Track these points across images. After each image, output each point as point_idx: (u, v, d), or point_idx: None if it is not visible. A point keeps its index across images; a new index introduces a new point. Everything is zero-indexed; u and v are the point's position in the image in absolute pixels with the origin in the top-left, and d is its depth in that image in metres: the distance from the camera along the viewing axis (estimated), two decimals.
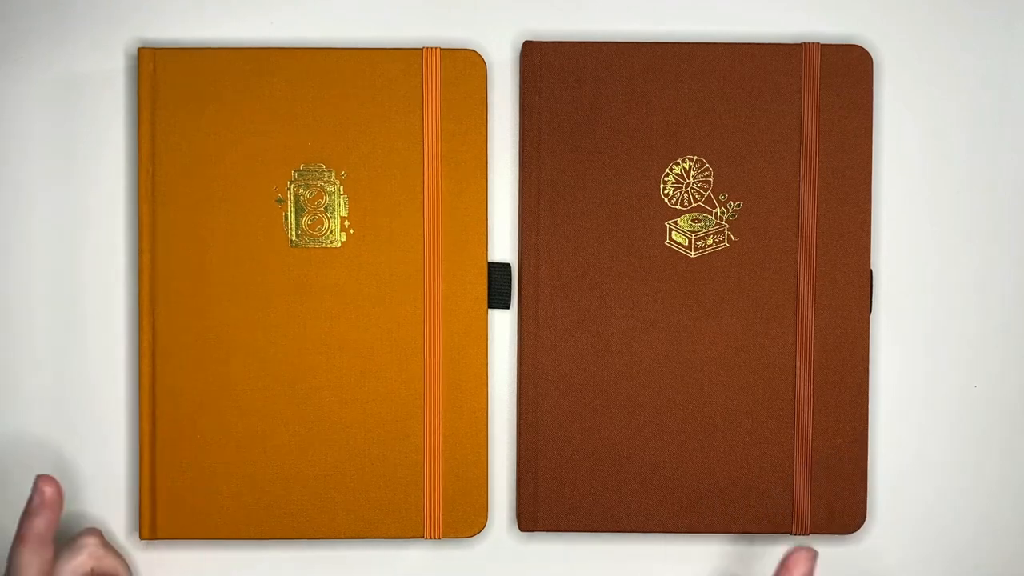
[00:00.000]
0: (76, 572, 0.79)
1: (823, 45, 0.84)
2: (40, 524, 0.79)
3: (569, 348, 0.84)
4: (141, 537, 0.84)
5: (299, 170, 0.83)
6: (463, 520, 0.84)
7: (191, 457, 0.84)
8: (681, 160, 0.84)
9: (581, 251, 0.84)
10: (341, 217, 0.83)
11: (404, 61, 0.83)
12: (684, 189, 0.84)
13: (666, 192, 0.84)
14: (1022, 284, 0.87)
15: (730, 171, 0.84)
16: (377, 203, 0.84)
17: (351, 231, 0.83)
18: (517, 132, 0.86)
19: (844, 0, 0.86)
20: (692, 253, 0.84)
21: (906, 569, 0.87)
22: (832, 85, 0.84)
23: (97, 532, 0.82)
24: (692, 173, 0.84)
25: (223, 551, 0.86)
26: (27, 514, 0.79)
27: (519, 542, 0.87)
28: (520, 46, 0.85)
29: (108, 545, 0.82)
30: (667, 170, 0.84)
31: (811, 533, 0.84)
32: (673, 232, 0.84)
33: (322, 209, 0.83)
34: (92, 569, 0.80)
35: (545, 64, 0.84)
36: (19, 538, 0.79)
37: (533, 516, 0.85)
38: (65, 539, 0.83)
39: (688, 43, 0.84)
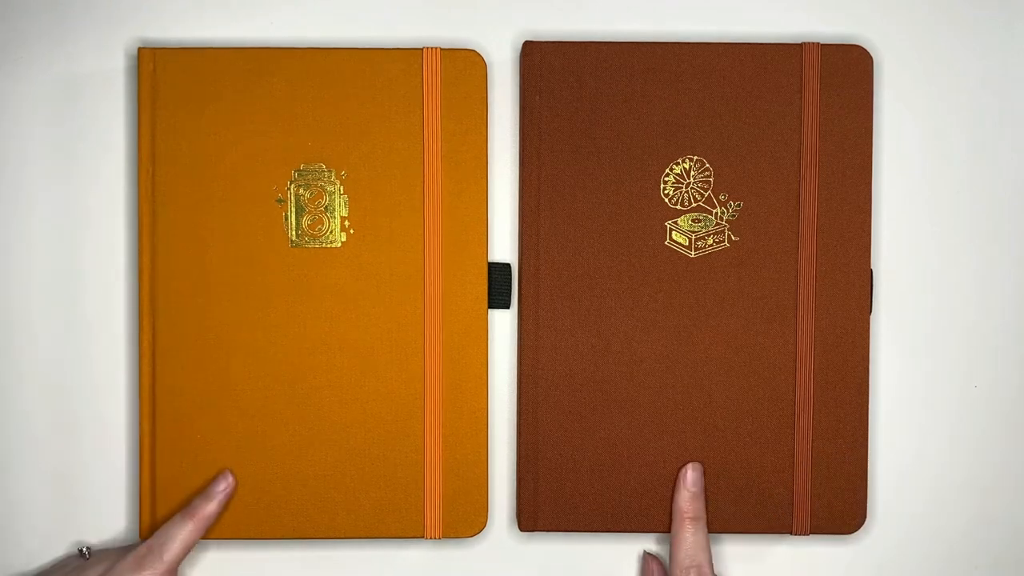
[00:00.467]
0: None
1: (823, 45, 0.84)
2: (212, 510, 0.82)
3: (569, 348, 0.84)
4: (141, 537, 0.84)
5: (299, 170, 0.83)
6: (463, 520, 0.84)
7: (191, 457, 0.84)
8: (681, 160, 0.84)
9: (581, 251, 0.84)
10: (341, 217, 0.83)
11: (404, 61, 0.83)
12: (684, 189, 0.84)
13: (666, 192, 0.84)
14: (1022, 284, 0.87)
15: (730, 171, 0.84)
16: (377, 203, 0.84)
17: (351, 231, 0.83)
18: (517, 132, 0.86)
19: (844, 0, 0.86)
20: (692, 253, 0.84)
21: (906, 569, 0.87)
22: (832, 85, 0.84)
23: None
24: (692, 173, 0.84)
25: (223, 551, 0.86)
26: (206, 497, 0.82)
27: (519, 542, 0.87)
28: (520, 46, 0.85)
29: None
30: (667, 170, 0.84)
31: (811, 533, 0.84)
32: (673, 232, 0.84)
33: (322, 209, 0.83)
34: None
35: (545, 64, 0.84)
36: (188, 514, 0.81)
37: (533, 516, 0.85)
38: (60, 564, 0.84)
39: (688, 43, 0.84)
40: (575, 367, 0.84)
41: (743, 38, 0.85)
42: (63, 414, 0.86)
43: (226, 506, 0.83)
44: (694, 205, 0.84)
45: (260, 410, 0.83)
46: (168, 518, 0.83)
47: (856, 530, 0.85)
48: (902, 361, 0.87)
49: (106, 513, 0.86)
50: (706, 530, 0.83)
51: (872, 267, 0.85)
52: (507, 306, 0.85)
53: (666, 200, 0.84)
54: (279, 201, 0.83)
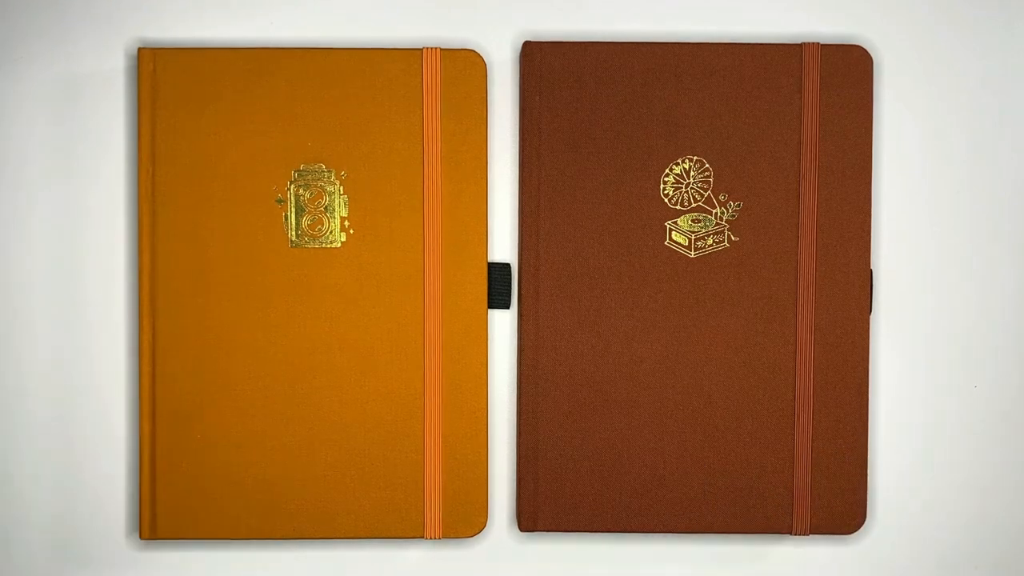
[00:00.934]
0: None
1: (823, 45, 0.84)
2: None
3: (569, 348, 0.84)
4: (141, 537, 0.84)
5: (299, 170, 0.83)
6: (463, 520, 0.84)
7: (191, 457, 0.83)
8: (681, 160, 0.84)
9: (581, 251, 0.84)
10: (341, 217, 0.83)
11: (404, 61, 0.83)
12: (684, 189, 0.84)
13: (666, 192, 0.84)
14: (1022, 284, 0.87)
15: (730, 171, 0.84)
16: (377, 203, 0.84)
17: (351, 231, 0.83)
18: (517, 132, 0.86)
19: (844, 0, 0.86)
20: (692, 253, 0.84)
21: (906, 569, 0.87)
22: (832, 85, 0.84)
23: None
24: (692, 173, 0.84)
25: (223, 551, 0.86)
26: None
27: (519, 542, 0.87)
28: (520, 46, 0.85)
29: None
30: (667, 170, 0.84)
31: (811, 533, 0.84)
32: (673, 232, 0.84)
33: (322, 209, 0.83)
34: None
35: (545, 64, 0.84)
36: None
37: (533, 516, 0.85)
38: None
39: (688, 43, 0.84)
40: (575, 367, 0.84)
41: (743, 38, 0.85)
42: (63, 414, 0.86)
43: None
44: (694, 205, 0.84)
45: (260, 410, 0.83)
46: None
47: (856, 530, 0.85)
48: (902, 361, 0.87)
49: (106, 513, 0.86)
50: None
51: (872, 267, 0.85)
52: (507, 306, 0.85)
53: (666, 200, 0.84)
54: (279, 201, 0.83)
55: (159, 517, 0.84)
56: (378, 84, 0.83)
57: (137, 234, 0.84)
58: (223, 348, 0.83)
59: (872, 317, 0.85)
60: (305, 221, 0.83)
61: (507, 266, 0.85)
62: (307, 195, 0.83)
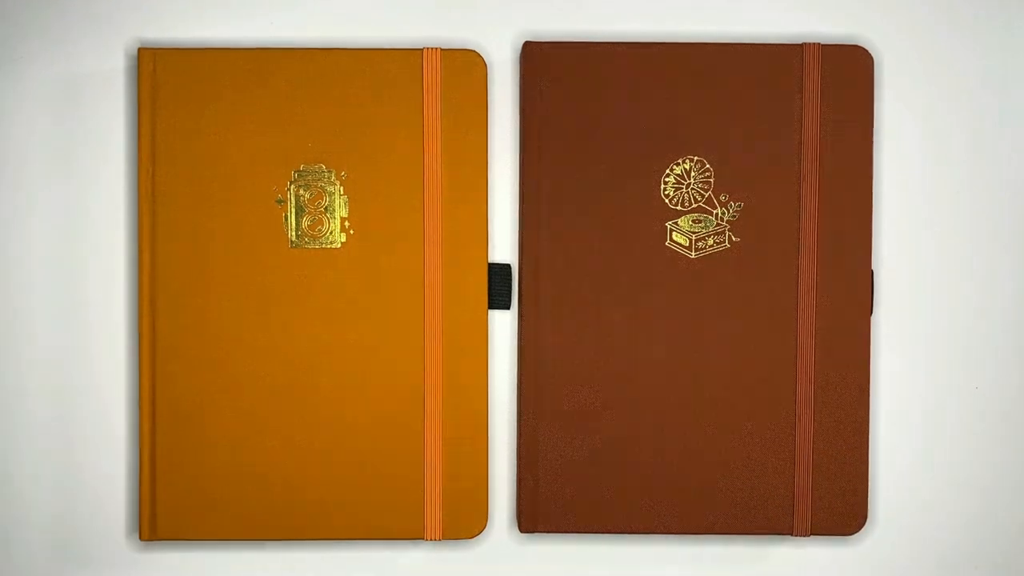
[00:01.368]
0: None
1: (823, 45, 0.84)
2: None
3: (569, 348, 0.84)
4: (141, 538, 0.84)
5: (299, 171, 0.83)
6: (463, 521, 0.84)
7: (191, 457, 0.83)
8: (681, 161, 0.84)
9: (581, 252, 0.84)
10: (341, 218, 0.83)
11: (404, 61, 0.83)
12: (685, 190, 0.84)
13: (666, 193, 0.84)
14: (1022, 284, 0.87)
15: (731, 171, 0.84)
16: (377, 204, 0.84)
17: (351, 231, 0.83)
18: (517, 132, 0.86)
19: (844, 0, 0.86)
20: (693, 254, 0.84)
21: (906, 570, 0.87)
22: (832, 85, 0.84)
23: None
24: (692, 174, 0.84)
25: (223, 551, 0.86)
26: None
27: (519, 543, 0.87)
28: (520, 46, 0.85)
29: None
30: (667, 170, 0.84)
31: (811, 534, 0.84)
32: (674, 233, 0.84)
33: (322, 210, 0.83)
34: None
35: (545, 64, 0.84)
36: None
37: (533, 517, 0.84)
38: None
39: (688, 43, 0.84)
40: (575, 368, 0.84)
41: (743, 38, 0.85)
42: (63, 414, 0.86)
43: None
44: (694, 206, 0.84)
45: (260, 410, 0.83)
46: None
47: (857, 531, 0.85)
48: (902, 361, 0.86)
49: (106, 513, 0.86)
50: None
51: (872, 267, 0.85)
52: (507, 307, 0.85)
53: (666, 201, 0.84)
54: (279, 202, 0.83)
55: (159, 517, 0.84)
56: (378, 84, 0.83)
57: (137, 234, 0.84)
58: (223, 348, 0.83)
59: (873, 318, 0.85)
60: (305, 221, 0.83)
61: (507, 267, 0.85)
62: (307, 195, 0.83)
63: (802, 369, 0.84)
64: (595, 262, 0.84)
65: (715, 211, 0.84)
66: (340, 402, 0.83)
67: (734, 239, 0.84)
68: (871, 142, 0.84)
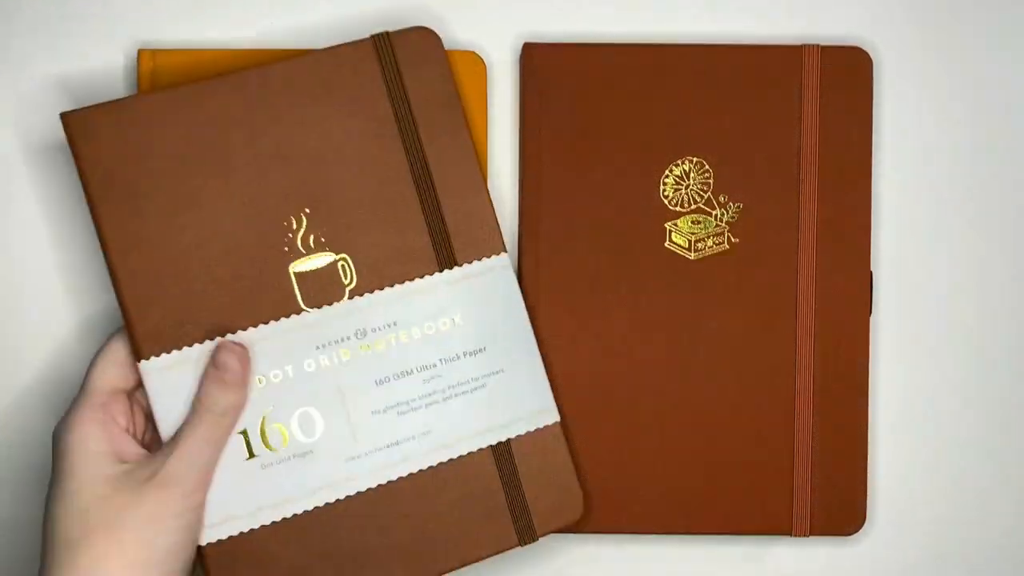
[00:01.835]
0: None
1: (823, 47, 0.84)
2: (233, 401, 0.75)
3: (568, 349, 0.84)
4: None
5: None
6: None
7: None
8: (681, 161, 0.84)
9: (581, 252, 0.84)
10: None
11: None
12: (684, 191, 0.84)
13: (666, 194, 0.84)
14: (1022, 284, 0.87)
15: (730, 172, 0.84)
16: None
17: None
18: (517, 133, 0.86)
19: (844, 1, 0.86)
20: (692, 255, 0.85)
21: (906, 571, 0.87)
22: (832, 86, 0.84)
23: None
24: (692, 174, 0.84)
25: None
26: (216, 382, 0.75)
27: None
28: (520, 47, 0.85)
29: None
30: (667, 171, 0.84)
31: (811, 534, 0.84)
32: (673, 234, 0.85)
33: None
34: None
35: (545, 65, 0.84)
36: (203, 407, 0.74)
37: None
38: None
39: (688, 44, 0.85)
40: (575, 368, 0.84)
41: (743, 39, 0.85)
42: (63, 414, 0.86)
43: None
44: (694, 207, 0.84)
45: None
46: None
47: (856, 531, 0.85)
48: (902, 362, 0.87)
49: None
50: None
51: (872, 267, 0.85)
52: None
53: (666, 202, 0.84)
54: None
55: None
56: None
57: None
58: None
59: (872, 317, 0.85)
60: None
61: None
62: None
63: (801, 369, 0.84)
64: (595, 263, 0.84)
65: (714, 212, 0.84)
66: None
67: (733, 240, 0.85)
68: (870, 143, 0.85)
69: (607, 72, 0.84)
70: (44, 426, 0.85)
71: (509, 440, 0.80)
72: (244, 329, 0.77)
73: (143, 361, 0.76)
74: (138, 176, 0.77)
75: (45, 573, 0.70)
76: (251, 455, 0.77)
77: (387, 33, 0.80)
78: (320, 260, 0.79)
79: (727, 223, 0.85)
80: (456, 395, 0.79)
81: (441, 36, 0.83)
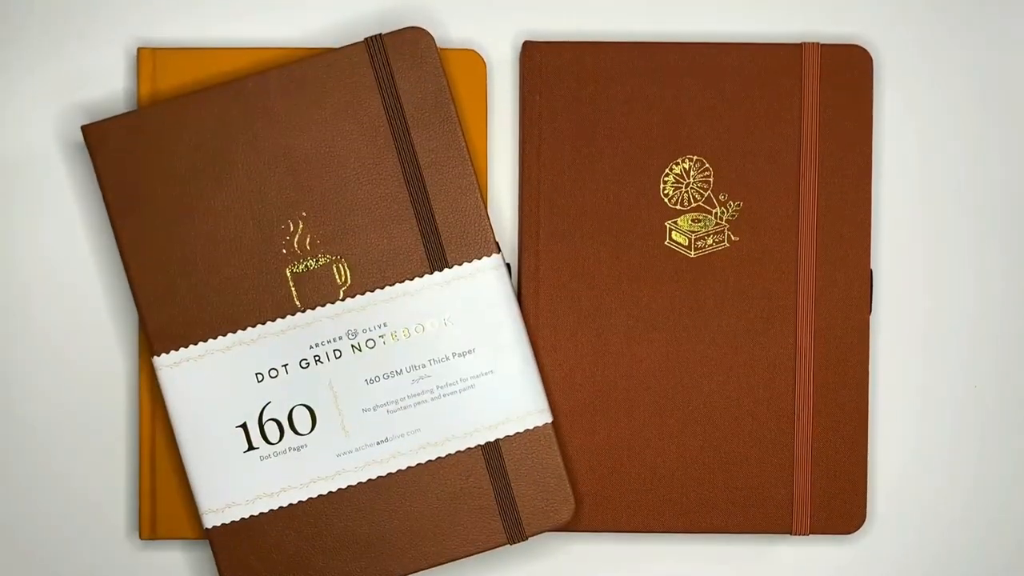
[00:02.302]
0: None
1: (823, 45, 0.84)
2: None
3: (569, 348, 0.84)
4: (141, 537, 0.84)
5: None
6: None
7: None
8: (681, 160, 0.84)
9: (581, 251, 0.84)
10: None
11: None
12: (684, 189, 0.84)
13: (666, 192, 0.84)
14: (1021, 283, 0.87)
15: (730, 171, 0.84)
16: None
17: None
18: (517, 132, 0.86)
19: (844, 0, 0.86)
20: (692, 253, 0.84)
21: (906, 569, 0.87)
22: (832, 85, 0.84)
23: None
24: (692, 173, 0.84)
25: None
26: None
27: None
28: (520, 46, 0.85)
29: None
30: (667, 170, 0.84)
31: (811, 533, 0.84)
32: (673, 232, 0.84)
33: None
34: None
35: (545, 64, 0.84)
36: None
37: None
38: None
39: (688, 43, 0.84)
40: (575, 367, 0.84)
41: (743, 38, 0.85)
42: (64, 414, 0.86)
43: None
44: (694, 205, 0.84)
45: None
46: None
47: (856, 530, 0.85)
48: (902, 361, 0.86)
49: (106, 513, 0.86)
50: None
51: (872, 267, 0.85)
52: None
53: (666, 200, 0.84)
54: None
55: (159, 517, 0.84)
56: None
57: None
58: None
59: (872, 317, 0.85)
60: None
61: (507, 267, 0.85)
62: None
63: (801, 368, 0.84)
64: (595, 262, 0.84)
65: (714, 210, 0.84)
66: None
67: (733, 238, 0.84)
68: (870, 142, 0.84)
69: (607, 70, 0.84)
70: (44, 425, 0.85)
71: (498, 440, 0.81)
72: (244, 328, 0.80)
73: (155, 357, 0.80)
74: (149, 182, 0.80)
75: None
76: (250, 447, 0.80)
77: (380, 36, 0.81)
78: (315, 262, 0.81)
79: (727, 221, 0.84)
80: (445, 395, 0.80)
81: (441, 35, 0.83)
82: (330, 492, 0.81)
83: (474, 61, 0.84)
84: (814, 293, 0.84)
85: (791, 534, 0.85)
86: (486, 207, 0.82)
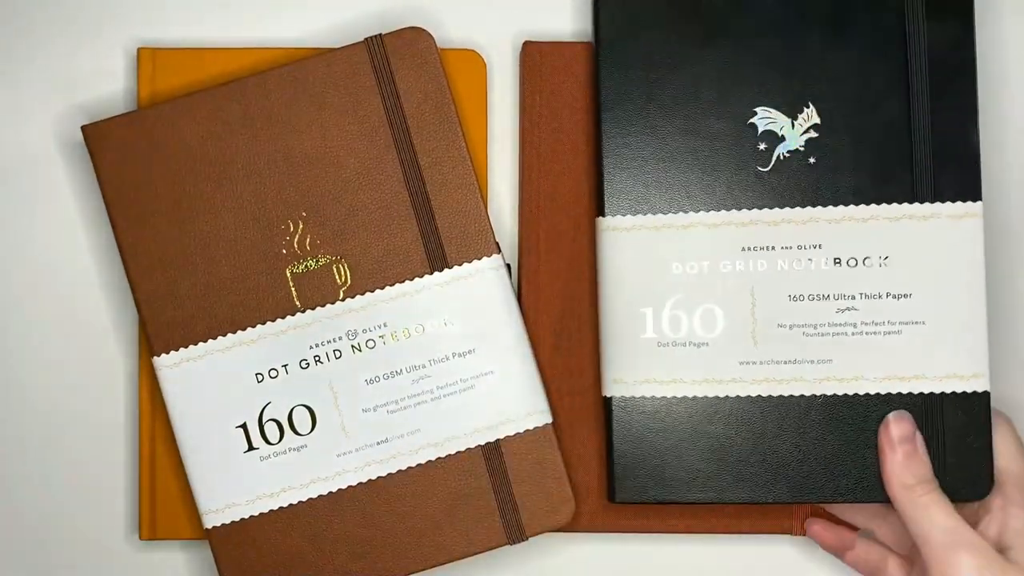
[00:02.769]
0: None
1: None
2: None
3: (569, 347, 0.84)
4: (141, 537, 0.84)
5: None
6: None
7: None
8: None
9: (581, 251, 0.84)
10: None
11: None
12: None
13: None
14: (1022, 282, 0.87)
15: None
16: None
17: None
18: (517, 132, 0.86)
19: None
20: None
21: None
22: None
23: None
24: None
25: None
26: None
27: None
28: (520, 46, 0.85)
29: None
30: None
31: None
32: None
33: None
34: None
35: (545, 64, 0.84)
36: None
37: None
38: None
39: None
40: (574, 366, 0.84)
41: None
42: (64, 413, 0.86)
43: None
44: None
45: None
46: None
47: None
48: None
49: (106, 513, 0.86)
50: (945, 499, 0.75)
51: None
52: None
53: None
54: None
55: (159, 517, 0.84)
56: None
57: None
58: None
59: None
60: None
61: (507, 267, 0.85)
62: None
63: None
64: (595, 261, 0.84)
65: None
66: None
67: None
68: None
69: None
70: (44, 425, 0.86)
71: (498, 441, 0.81)
72: (244, 328, 0.80)
73: (155, 358, 0.80)
74: (149, 182, 0.80)
75: None
76: (250, 447, 0.80)
77: (380, 36, 0.81)
78: (315, 262, 0.81)
79: None
80: (445, 396, 0.80)
81: (441, 35, 0.83)
82: (330, 492, 0.81)
83: (474, 61, 0.84)
84: None
85: (791, 534, 0.85)
86: (486, 207, 0.82)
